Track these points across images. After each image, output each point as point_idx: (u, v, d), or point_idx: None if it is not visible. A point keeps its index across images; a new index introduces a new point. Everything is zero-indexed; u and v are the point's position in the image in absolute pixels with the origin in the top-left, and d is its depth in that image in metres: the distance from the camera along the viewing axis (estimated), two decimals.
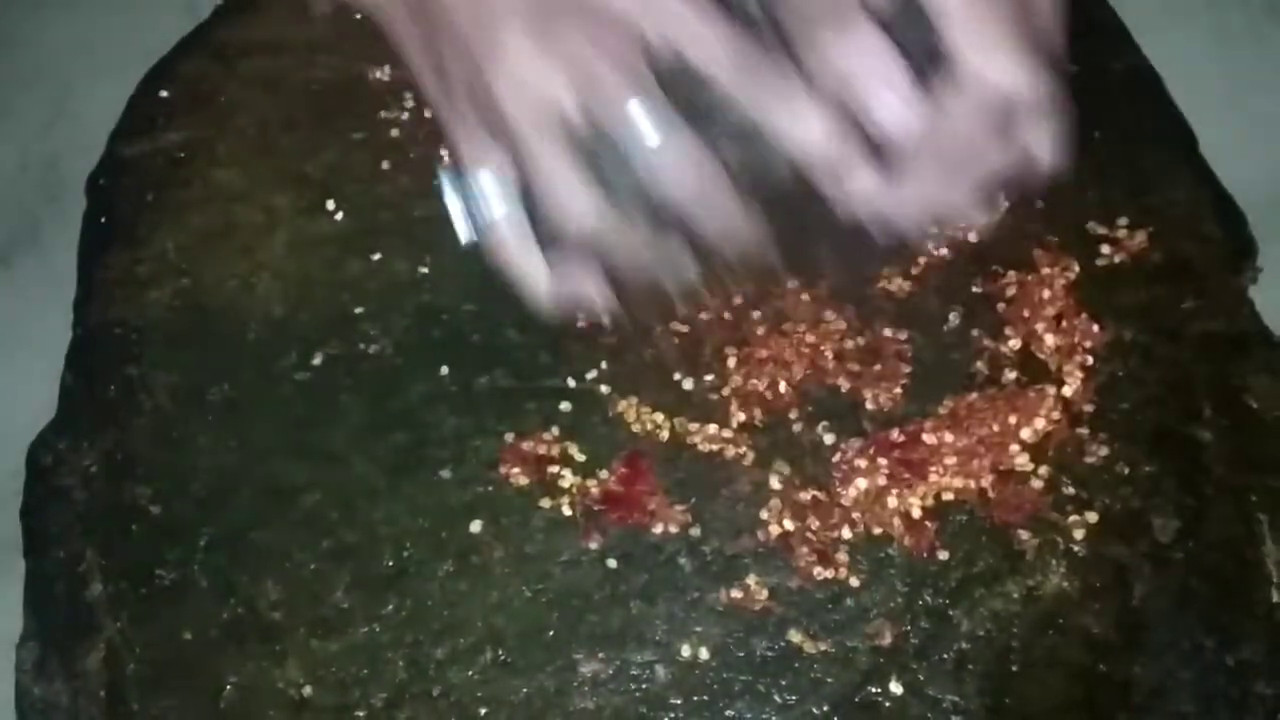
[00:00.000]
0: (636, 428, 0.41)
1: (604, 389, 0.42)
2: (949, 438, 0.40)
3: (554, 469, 0.40)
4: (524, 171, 0.35)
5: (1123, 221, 0.44)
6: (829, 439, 0.41)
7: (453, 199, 0.37)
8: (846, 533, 0.39)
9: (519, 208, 0.36)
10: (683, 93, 0.34)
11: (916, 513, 0.39)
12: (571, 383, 0.42)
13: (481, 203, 0.36)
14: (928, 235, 0.40)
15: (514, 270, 0.37)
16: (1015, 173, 0.36)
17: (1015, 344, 0.42)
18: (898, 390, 0.41)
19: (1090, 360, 0.42)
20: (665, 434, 0.41)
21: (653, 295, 0.37)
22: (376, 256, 0.45)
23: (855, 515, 0.39)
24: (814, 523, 0.39)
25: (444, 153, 0.45)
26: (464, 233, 0.37)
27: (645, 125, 0.33)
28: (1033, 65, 0.34)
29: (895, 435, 0.40)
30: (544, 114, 0.34)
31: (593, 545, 0.39)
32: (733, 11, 0.34)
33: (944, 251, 0.44)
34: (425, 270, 0.44)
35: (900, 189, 0.35)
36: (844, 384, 0.42)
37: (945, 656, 0.38)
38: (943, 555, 0.39)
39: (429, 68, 0.36)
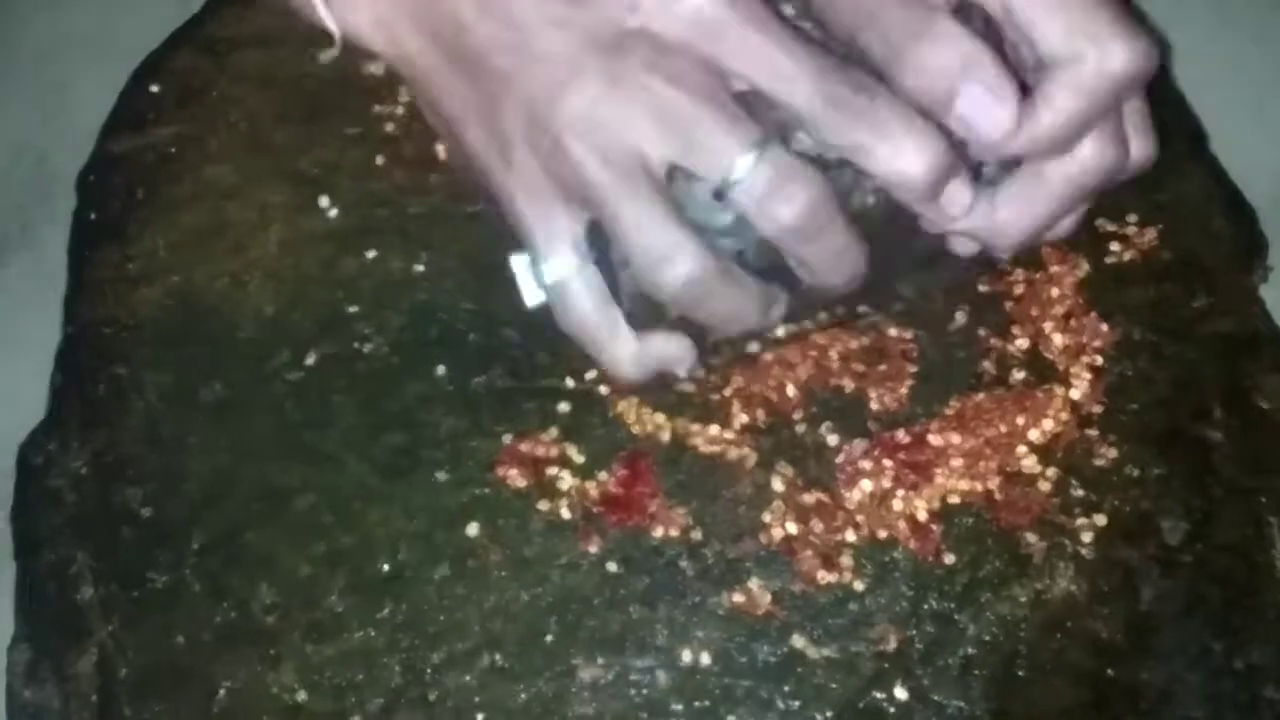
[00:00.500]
0: (636, 429, 0.40)
1: (603, 389, 0.41)
2: (955, 439, 0.40)
3: (552, 471, 0.40)
4: (604, 229, 0.32)
5: (1132, 219, 0.44)
6: (832, 440, 0.40)
7: (518, 261, 0.34)
8: (850, 536, 0.39)
9: (594, 267, 0.33)
10: (766, 124, 0.31)
11: (922, 515, 0.39)
12: (570, 383, 0.41)
13: (551, 264, 0.33)
14: (1020, 250, 0.38)
15: (591, 335, 0.34)
16: (1118, 174, 0.35)
17: (1023, 344, 0.42)
18: (903, 391, 0.41)
19: (1099, 360, 0.41)
20: (666, 435, 0.40)
21: (730, 340, 0.35)
22: (371, 254, 0.44)
23: (859, 518, 0.39)
24: (817, 526, 0.39)
25: (438, 148, 0.44)
26: (530, 296, 0.34)
27: (748, 163, 0.30)
28: (1139, 35, 0.32)
29: (900, 436, 0.40)
30: (626, 163, 0.31)
31: (592, 549, 0.39)
32: (810, 36, 0.32)
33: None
34: (421, 268, 0.44)
35: (1001, 209, 0.33)
36: (848, 384, 0.41)
37: (951, 661, 0.37)
38: (949, 559, 0.38)
39: (479, 125, 0.33)
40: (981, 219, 0.34)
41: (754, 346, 0.40)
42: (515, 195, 0.33)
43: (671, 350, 0.34)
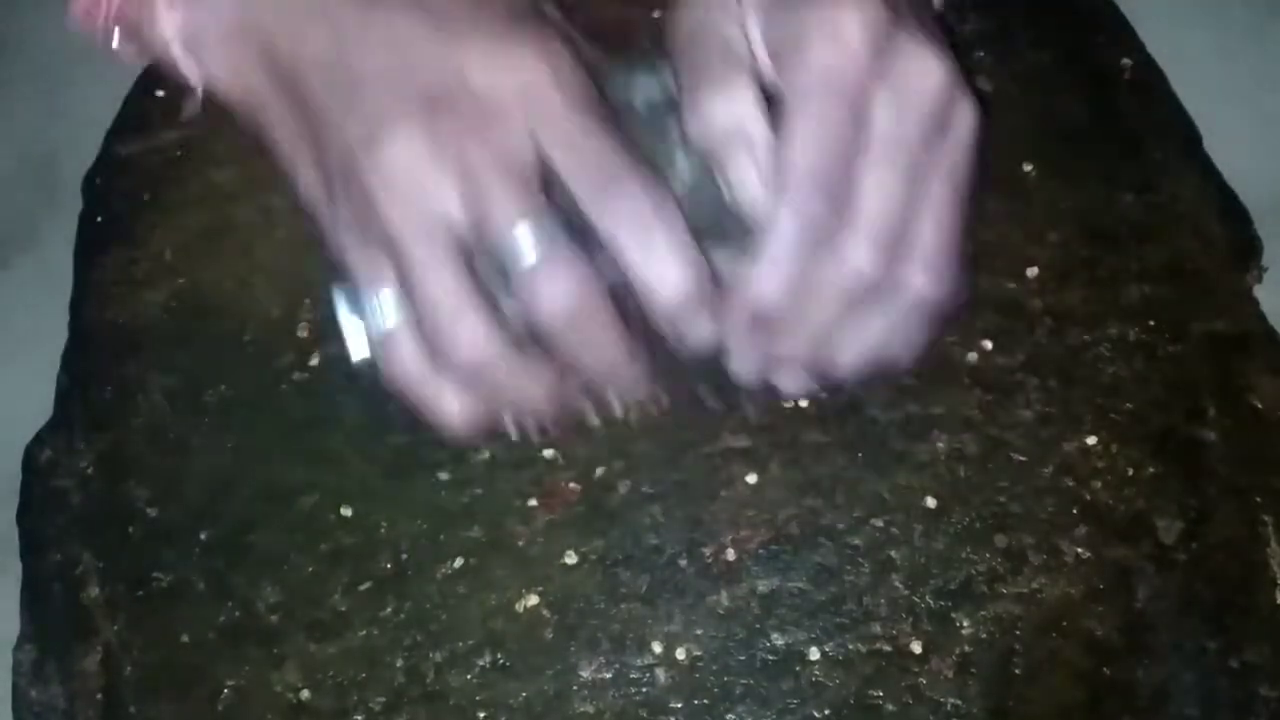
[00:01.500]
0: (636, 425, 0.41)
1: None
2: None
3: (553, 469, 0.40)
4: (408, 286, 0.31)
5: (1127, 219, 0.44)
6: (828, 439, 0.40)
7: (343, 312, 0.33)
8: (850, 535, 0.39)
9: (415, 328, 0.32)
10: (571, 203, 0.30)
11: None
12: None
13: (374, 316, 0.32)
14: (792, 389, 0.35)
15: (416, 391, 0.33)
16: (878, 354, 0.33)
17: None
18: (895, 390, 0.41)
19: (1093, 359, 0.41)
20: (667, 433, 0.41)
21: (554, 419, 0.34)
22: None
23: (856, 514, 0.39)
24: (814, 523, 0.39)
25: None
26: (355, 349, 0.33)
27: (525, 241, 0.30)
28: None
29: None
30: (426, 222, 0.30)
31: (592, 546, 0.39)
32: (629, 113, 0.31)
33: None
34: None
35: (743, 333, 0.31)
36: (844, 390, 0.41)
37: (948, 660, 0.37)
38: (945, 554, 0.39)
39: (307, 164, 0.33)
40: (731, 355, 0.32)
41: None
42: (340, 237, 0.32)
43: (497, 412, 0.33)
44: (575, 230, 0.31)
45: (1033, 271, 0.43)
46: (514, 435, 0.34)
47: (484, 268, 0.31)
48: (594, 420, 0.35)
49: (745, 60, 0.31)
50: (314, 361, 0.43)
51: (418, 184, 0.30)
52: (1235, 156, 0.45)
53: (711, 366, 0.33)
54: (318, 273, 0.44)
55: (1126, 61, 0.47)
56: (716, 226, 0.32)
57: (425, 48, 0.31)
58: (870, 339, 0.33)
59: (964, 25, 0.48)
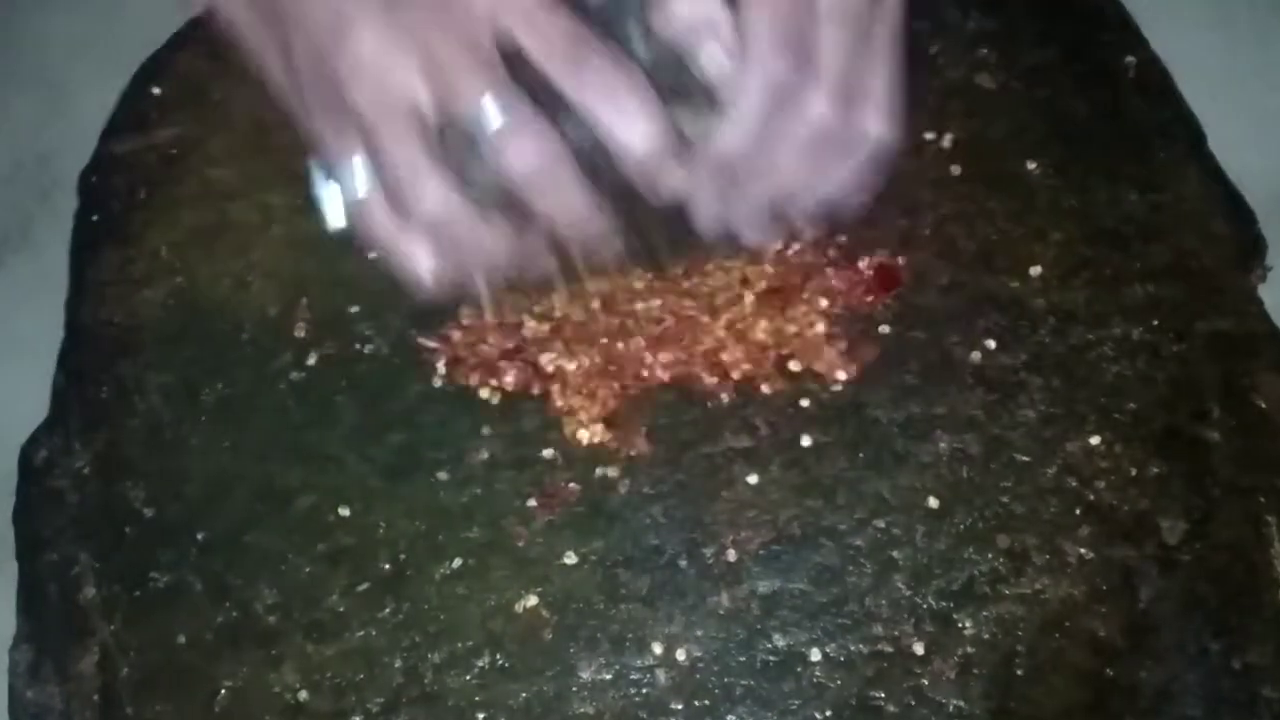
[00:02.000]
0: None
1: (605, 384, 0.41)
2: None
3: (553, 470, 0.40)
4: (376, 157, 0.34)
5: (1131, 218, 0.44)
6: (829, 439, 0.40)
7: (319, 185, 0.36)
8: (852, 536, 0.39)
9: (383, 190, 0.35)
10: (532, 79, 0.33)
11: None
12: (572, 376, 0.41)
13: (347, 186, 0.35)
14: (759, 235, 0.38)
15: (390, 250, 0.36)
16: (830, 194, 0.36)
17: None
18: (898, 390, 0.41)
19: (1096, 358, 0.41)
20: (667, 433, 0.40)
21: (515, 283, 0.37)
22: (372, 255, 0.44)
23: (858, 515, 0.39)
24: (816, 524, 0.39)
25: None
26: (332, 218, 0.36)
27: (490, 110, 0.33)
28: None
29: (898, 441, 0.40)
30: (392, 102, 0.33)
31: (592, 547, 0.39)
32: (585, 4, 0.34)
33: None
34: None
35: (710, 182, 0.34)
36: (846, 390, 0.41)
37: (950, 661, 0.37)
38: (947, 555, 0.39)
39: (275, 62, 0.36)
40: (702, 203, 0.36)
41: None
42: (312, 119, 0.36)
43: (466, 268, 0.36)
44: (538, 104, 0.33)
45: (1036, 270, 0.43)
46: (484, 295, 0.37)
47: (453, 140, 0.34)
48: (556, 277, 0.37)
49: None
50: (311, 361, 0.42)
51: (382, 68, 0.33)
52: (1239, 155, 0.45)
53: (669, 220, 0.36)
54: (315, 272, 0.44)
55: (1131, 60, 0.47)
56: (677, 92, 0.35)
57: None
58: (826, 183, 0.36)
59: (968, 23, 0.48)
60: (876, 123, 0.35)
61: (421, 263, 0.36)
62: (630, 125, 0.33)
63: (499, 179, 0.34)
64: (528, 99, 0.33)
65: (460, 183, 0.34)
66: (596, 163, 0.34)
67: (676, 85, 0.34)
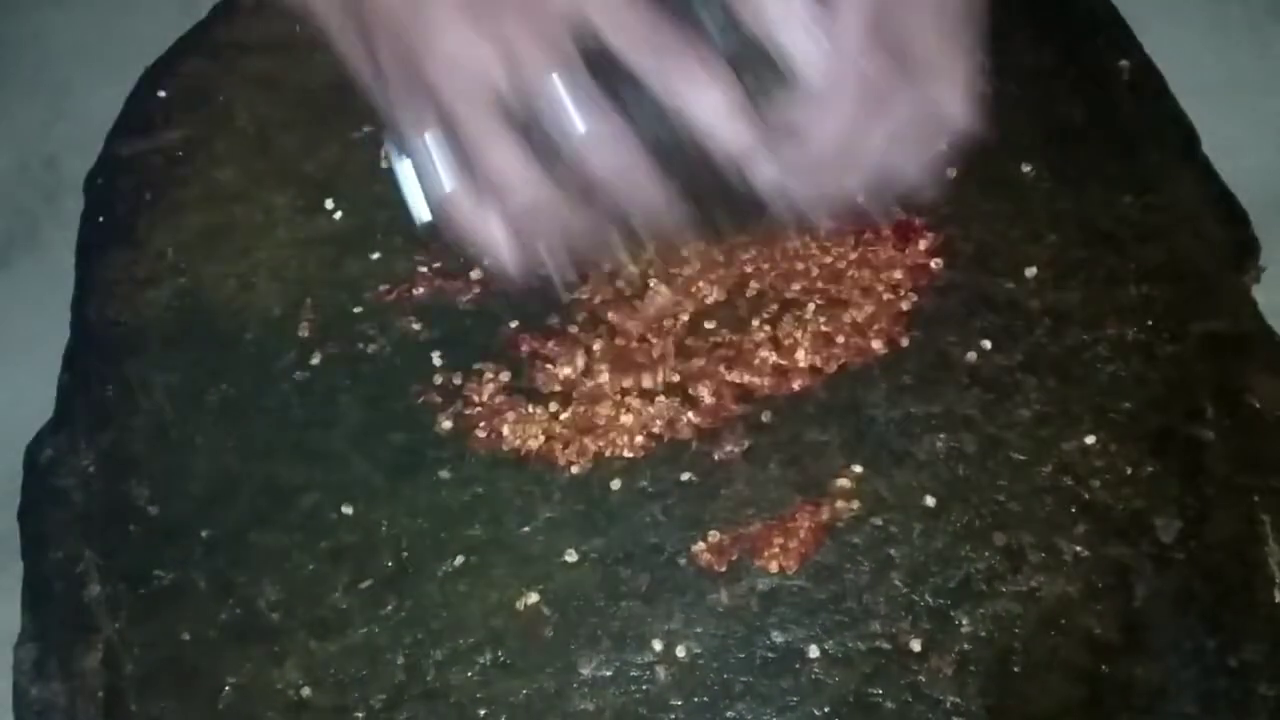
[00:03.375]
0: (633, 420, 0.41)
1: (604, 384, 0.41)
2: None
3: (555, 467, 0.40)
4: (461, 146, 0.35)
5: (1125, 220, 0.44)
6: (827, 438, 0.41)
7: (405, 179, 0.37)
8: (849, 534, 0.39)
9: (466, 179, 0.36)
10: (608, 73, 0.34)
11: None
12: (571, 377, 0.42)
13: (432, 179, 0.36)
14: (832, 215, 0.38)
15: (475, 238, 0.36)
16: (918, 164, 0.36)
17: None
18: (895, 389, 0.41)
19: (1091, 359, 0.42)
20: (665, 431, 0.41)
21: (586, 260, 0.37)
22: (375, 256, 0.44)
23: (855, 512, 0.39)
24: (815, 523, 0.39)
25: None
26: (419, 212, 0.37)
27: (568, 106, 0.34)
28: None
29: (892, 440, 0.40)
30: (476, 90, 0.34)
31: (593, 545, 0.39)
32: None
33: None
34: (424, 270, 0.44)
35: (800, 171, 0.35)
36: (844, 386, 0.41)
37: (947, 658, 0.37)
38: (944, 553, 0.39)
39: (362, 56, 0.37)
40: (784, 184, 0.36)
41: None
42: (398, 119, 0.37)
43: (543, 253, 0.37)
44: (611, 91, 0.34)
45: (1031, 271, 0.43)
46: (555, 276, 0.37)
47: (539, 138, 0.35)
48: (619, 246, 0.37)
49: None
50: (315, 361, 0.43)
51: (463, 56, 0.34)
52: (1233, 157, 0.46)
53: (737, 196, 0.36)
54: (319, 272, 0.44)
55: (1125, 63, 0.48)
56: (760, 86, 0.35)
57: None
58: (907, 169, 0.36)
59: None
60: (959, 108, 0.36)
61: (504, 247, 0.36)
62: (716, 112, 0.34)
63: (571, 164, 0.34)
64: (601, 92, 0.34)
65: (540, 165, 0.35)
66: (665, 143, 0.34)
67: (759, 79, 0.34)
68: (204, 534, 0.40)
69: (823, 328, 0.42)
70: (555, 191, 0.35)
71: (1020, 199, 0.45)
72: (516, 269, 0.37)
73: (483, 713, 0.37)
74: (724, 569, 0.39)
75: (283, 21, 0.45)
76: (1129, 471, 0.40)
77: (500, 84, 0.34)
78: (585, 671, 0.38)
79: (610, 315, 0.43)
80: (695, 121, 0.34)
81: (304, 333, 0.43)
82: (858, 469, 0.40)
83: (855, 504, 0.39)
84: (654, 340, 0.42)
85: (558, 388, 0.42)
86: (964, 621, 0.38)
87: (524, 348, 0.42)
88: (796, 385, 0.41)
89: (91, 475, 0.42)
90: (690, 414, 0.41)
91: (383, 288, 0.44)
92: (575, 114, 0.34)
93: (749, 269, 0.44)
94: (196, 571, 0.40)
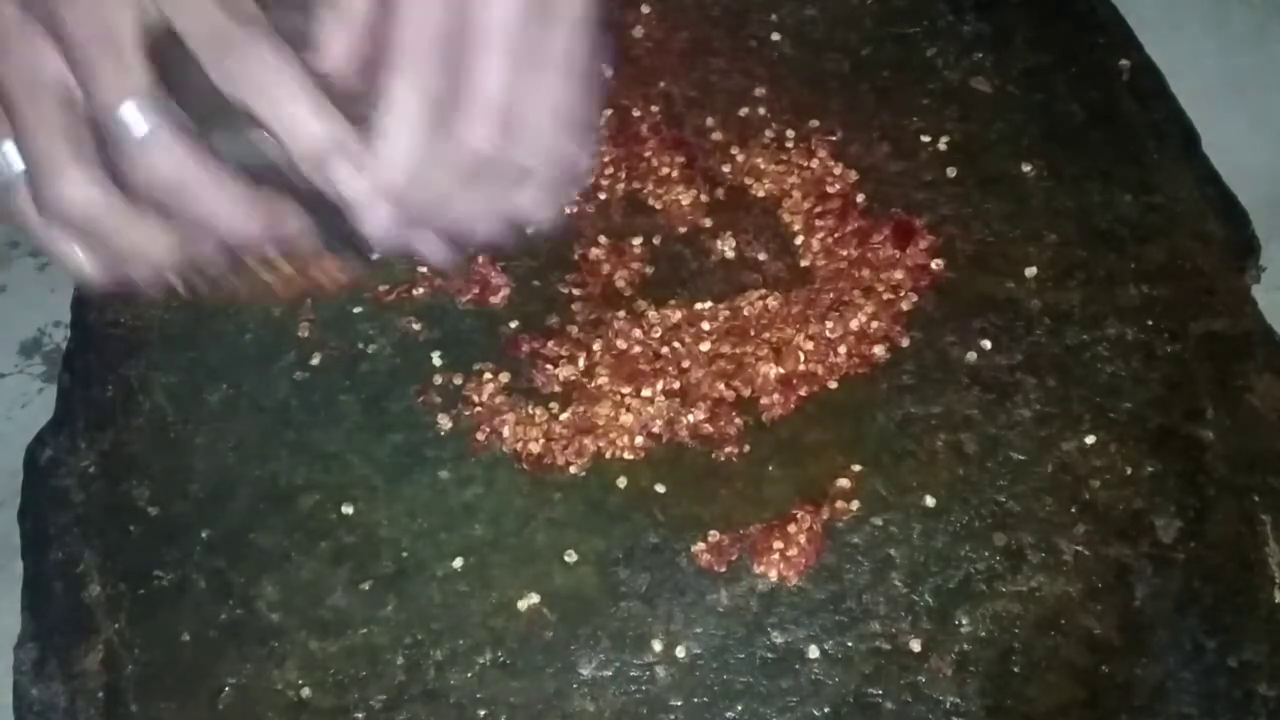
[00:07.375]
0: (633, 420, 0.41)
1: (604, 384, 0.41)
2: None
3: (554, 467, 0.40)
4: (20, 140, 0.32)
5: (1125, 220, 0.44)
6: (827, 438, 0.41)
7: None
8: (849, 534, 0.39)
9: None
10: (180, 69, 0.31)
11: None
12: (571, 378, 0.42)
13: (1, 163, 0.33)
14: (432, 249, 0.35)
15: (39, 241, 0.33)
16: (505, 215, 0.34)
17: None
18: (895, 389, 0.41)
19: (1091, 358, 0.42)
20: (664, 431, 0.41)
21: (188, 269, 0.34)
22: (374, 255, 0.44)
23: (855, 512, 0.39)
24: (815, 523, 0.39)
25: None
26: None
27: (132, 115, 0.31)
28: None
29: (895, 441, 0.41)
30: (39, 88, 0.32)
31: (592, 545, 0.39)
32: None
33: None
34: (424, 269, 0.44)
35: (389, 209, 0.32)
36: (844, 386, 0.41)
37: (947, 658, 0.38)
38: (944, 553, 0.39)
39: None
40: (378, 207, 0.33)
41: None
42: None
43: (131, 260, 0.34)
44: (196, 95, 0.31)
45: (1031, 271, 0.43)
46: (177, 283, 0.34)
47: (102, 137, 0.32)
48: (231, 279, 0.34)
49: None
50: (315, 361, 0.43)
51: (24, 52, 0.31)
52: (1233, 157, 0.46)
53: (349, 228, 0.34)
54: None
55: (1125, 62, 0.48)
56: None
57: None
58: (497, 211, 0.34)
59: (963, 27, 0.48)
60: (535, 160, 0.33)
61: (73, 255, 0.33)
62: (298, 118, 0.31)
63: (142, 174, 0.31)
64: (174, 103, 0.31)
65: (107, 176, 0.32)
66: (248, 149, 0.31)
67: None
68: (204, 534, 0.40)
69: (823, 328, 0.42)
70: (123, 204, 0.32)
71: (1020, 199, 0.45)
72: (95, 279, 0.33)
73: (483, 713, 0.37)
74: (724, 569, 0.39)
75: None
76: (1129, 471, 0.40)
77: (66, 84, 0.31)
78: (585, 672, 0.38)
79: (611, 316, 0.43)
80: (269, 128, 0.31)
81: (304, 333, 0.43)
82: (858, 469, 0.40)
83: (855, 504, 0.40)
84: (654, 342, 0.42)
85: (557, 388, 0.42)
86: (964, 621, 0.38)
87: (524, 348, 0.42)
88: (797, 386, 0.41)
89: (92, 476, 0.42)
90: (690, 414, 0.41)
91: (382, 288, 0.44)
92: (140, 121, 0.31)
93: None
94: (196, 572, 0.40)
